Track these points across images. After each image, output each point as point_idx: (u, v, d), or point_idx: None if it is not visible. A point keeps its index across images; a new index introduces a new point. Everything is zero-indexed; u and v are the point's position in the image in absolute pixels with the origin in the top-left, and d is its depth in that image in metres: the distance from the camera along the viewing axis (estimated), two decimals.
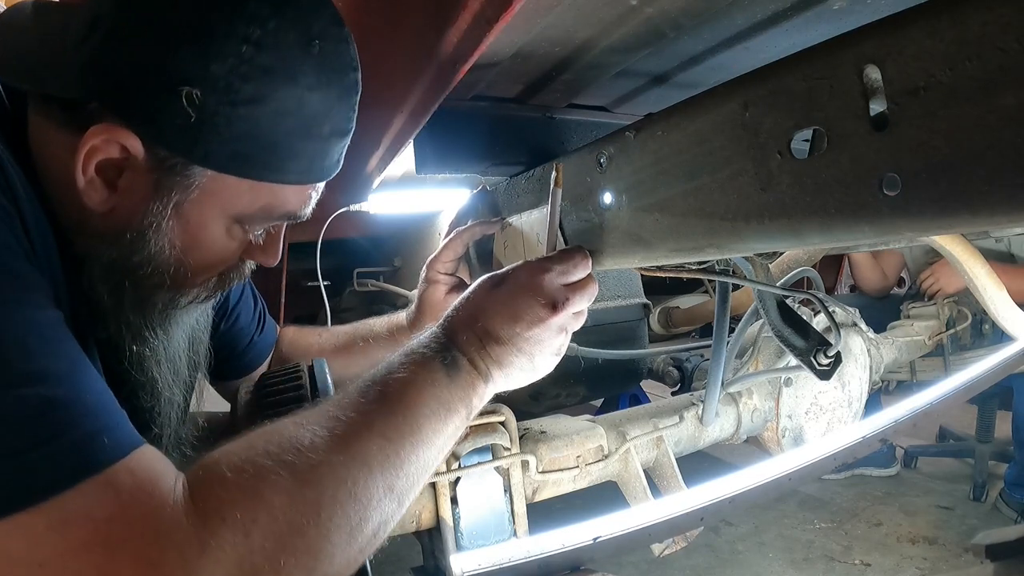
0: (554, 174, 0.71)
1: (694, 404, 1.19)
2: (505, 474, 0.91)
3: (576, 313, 0.66)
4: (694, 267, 0.83)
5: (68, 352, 0.44)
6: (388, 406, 0.53)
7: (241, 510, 0.43)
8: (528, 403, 1.54)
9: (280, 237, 0.65)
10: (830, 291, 2.84)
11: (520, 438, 0.95)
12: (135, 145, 0.49)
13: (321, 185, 0.61)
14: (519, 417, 0.97)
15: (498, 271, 0.65)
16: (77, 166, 0.49)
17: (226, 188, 0.53)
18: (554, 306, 0.62)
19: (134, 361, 0.61)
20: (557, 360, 0.66)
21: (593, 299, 0.68)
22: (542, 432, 0.99)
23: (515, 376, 0.63)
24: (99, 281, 0.55)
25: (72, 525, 0.38)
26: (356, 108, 0.58)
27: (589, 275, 0.68)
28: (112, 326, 0.58)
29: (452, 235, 0.91)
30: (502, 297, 0.62)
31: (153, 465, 0.44)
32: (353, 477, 0.48)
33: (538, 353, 0.62)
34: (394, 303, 1.71)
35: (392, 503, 0.51)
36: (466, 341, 0.60)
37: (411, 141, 0.91)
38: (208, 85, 0.47)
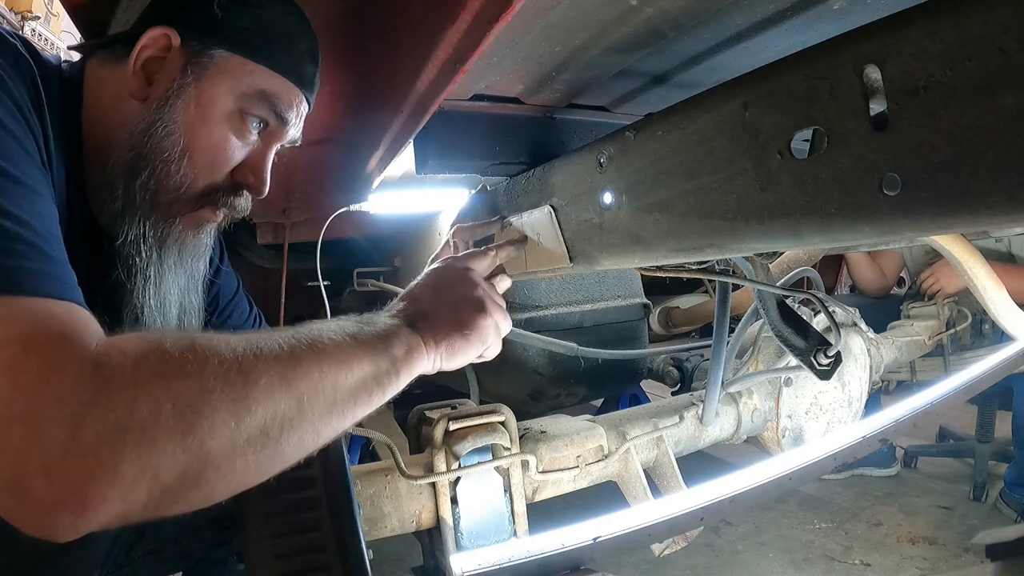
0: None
1: (694, 404, 1.19)
2: (505, 474, 0.91)
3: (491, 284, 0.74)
4: (694, 267, 0.83)
5: (51, 216, 0.51)
6: (294, 330, 0.55)
7: (139, 368, 0.44)
8: (528, 403, 1.54)
9: (268, 162, 0.74)
10: (830, 291, 2.84)
11: (520, 438, 0.95)
12: (175, 37, 0.66)
13: (303, 106, 0.74)
14: (519, 417, 0.97)
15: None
16: (129, 66, 0.66)
17: (235, 67, 0.68)
18: (467, 267, 0.73)
19: (123, 289, 0.69)
20: (481, 317, 0.68)
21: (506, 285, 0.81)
22: (542, 432, 0.99)
23: (443, 323, 0.65)
24: (119, 175, 0.66)
25: (1, 324, 0.43)
26: (319, 58, 0.75)
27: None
28: (118, 239, 0.67)
29: (452, 232, 0.91)
30: (434, 270, 0.73)
31: (86, 317, 0.47)
32: (244, 360, 0.48)
33: (460, 304, 0.68)
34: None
35: (288, 401, 0.49)
36: (398, 301, 0.68)
37: (411, 141, 0.91)
38: None
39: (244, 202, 0.74)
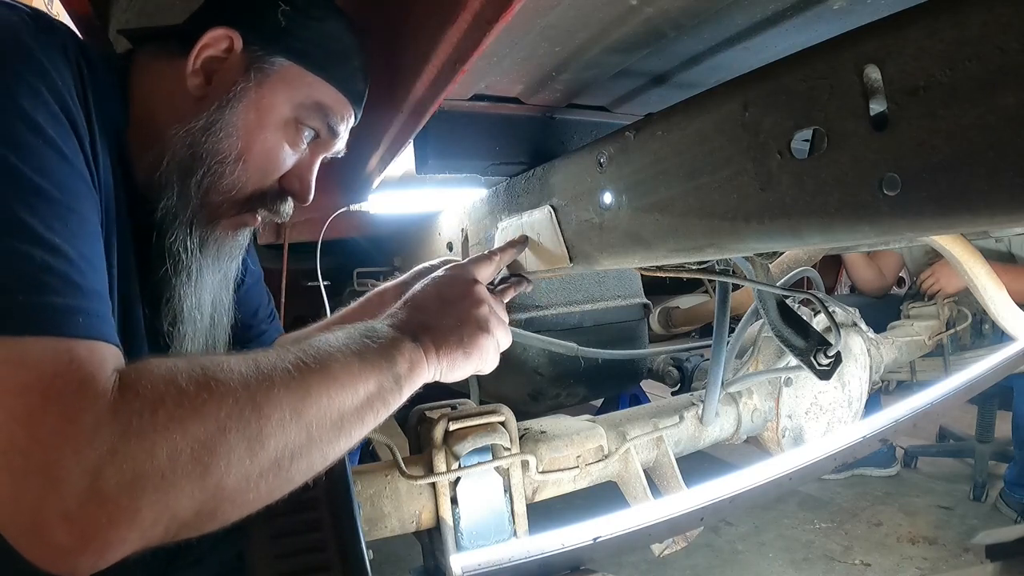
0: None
1: (694, 404, 1.19)
2: (505, 474, 0.91)
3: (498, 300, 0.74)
4: (694, 267, 0.83)
5: (88, 234, 0.51)
6: (303, 352, 0.55)
7: (158, 408, 0.45)
8: (528, 403, 1.54)
9: (314, 170, 0.76)
10: (830, 291, 2.84)
11: (520, 438, 0.95)
12: (238, 40, 0.67)
13: (352, 120, 0.76)
14: (519, 417, 0.97)
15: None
16: (188, 63, 0.66)
17: (295, 77, 0.69)
18: (474, 280, 0.72)
19: (168, 284, 0.70)
20: (484, 335, 0.68)
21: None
22: (542, 432, 0.99)
23: (445, 338, 0.65)
24: (175, 172, 0.67)
25: (22, 367, 0.43)
26: (369, 76, 0.77)
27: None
28: (169, 236, 0.68)
29: (492, 256, 0.83)
30: (434, 279, 0.72)
31: (106, 355, 0.47)
32: (256, 393, 0.49)
33: (464, 320, 0.67)
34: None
35: (299, 431, 0.50)
36: (398, 312, 0.68)
37: (411, 141, 0.91)
38: (293, 4, 0.69)
39: (287, 208, 0.76)
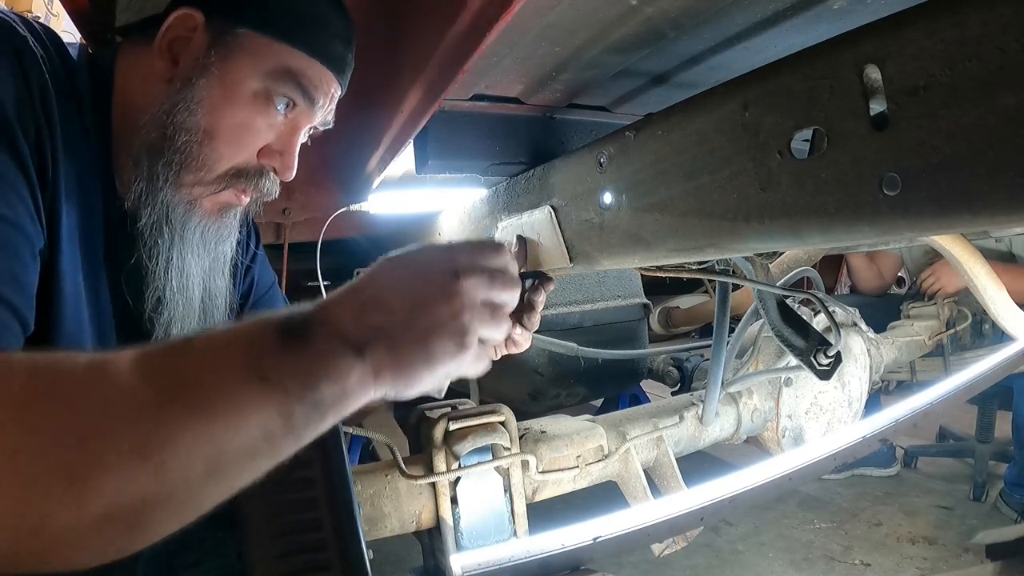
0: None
1: (694, 404, 1.19)
2: (505, 474, 0.91)
3: (485, 303, 0.52)
4: (694, 267, 0.83)
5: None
6: (169, 370, 0.41)
7: None
8: (528, 403, 1.54)
9: (295, 144, 0.73)
10: (830, 291, 2.84)
11: (520, 438, 0.95)
12: (200, 18, 0.66)
13: (334, 87, 0.73)
14: (519, 417, 0.97)
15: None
16: (155, 46, 0.66)
17: (260, 47, 0.67)
18: (456, 273, 0.50)
19: (145, 269, 0.68)
20: (458, 351, 0.50)
21: (511, 295, 0.55)
22: (542, 432, 0.99)
23: (406, 353, 0.47)
24: (143, 155, 0.66)
25: None
26: (352, 38, 0.73)
27: (509, 271, 0.55)
28: (140, 220, 0.67)
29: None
30: (398, 264, 0.52)
31: None
32: (86, 423, 0.37)
33: (433, 329, 0.48)
34: None
35: (141, 469, 0.37)
36: (340, 308, 0.47)
37: (411, 141, 0.91)
38: None
39: (271, 184, 0.73)
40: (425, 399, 0.98)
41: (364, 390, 0.45)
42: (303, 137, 0.74)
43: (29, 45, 0.59)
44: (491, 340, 0.53)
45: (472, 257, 0.52)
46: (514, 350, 0.72)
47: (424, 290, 0.49)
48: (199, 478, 0.39)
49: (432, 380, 0.49)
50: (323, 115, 0.74)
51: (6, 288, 0.50)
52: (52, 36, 0.63)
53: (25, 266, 0.53)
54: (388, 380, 0.46)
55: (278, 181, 0.74)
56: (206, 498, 0.40)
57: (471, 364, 0.52)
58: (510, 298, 0.54)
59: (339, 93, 0.75)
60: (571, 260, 0.80)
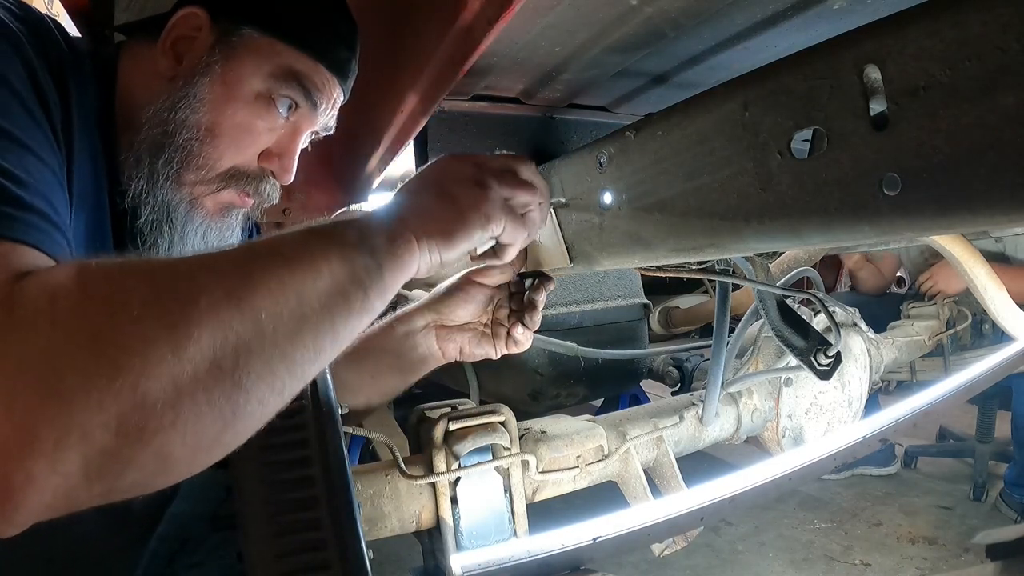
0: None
1: (694, 404, 1.18)
2: (505, 474, 0.91)
3: (503, 168, 0.61)
4: (694, 267, 0.83)
5: (43, 173, 0.48)
6: (251, 242, 0.49)
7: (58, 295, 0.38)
8: (528, 403, 1.54)
9: (295, 147, 0.73)
10: (830, 291, 2.84)
11: (520, 438, 0.95)
12: (205, 17, 0.67)
13: (336, 91, 0.73)
14: (519, 417, 0.97)
15: None
16: (160, 44, 0.67)
17: (263, 47, 0.67)
18: (471, 159, 0.60)
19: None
20: (481, 195, 0.56)
21: (529, 197, 0.63)
22: (542, 432, 0.99)
23: (435, 207, 0.54)
24: (145, 152, 0.66)
25: None
26: (356, 44, 0.73)
27: (528, 180, 0.64)
28: (140, 218, 0.67)
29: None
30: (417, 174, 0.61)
31: (23, 255, 0.41)
32: (178, 278, 0.40)
33: (454, 183, 0.56)
34: (394, 303, 1.71)
35: (241, 319, 0.40)
36: (374, 209, 0.56)
37: (411, 141, 0.91)
38: None
39: (271, 189, 0.73)
40: (425, 399, 0.99)
41: (407, 243, 0.51)
42: (304, 141, 0.74)
43: (49, 27, 0.60)
44: (516, 199, 0.60)
45: (486, 157, 0.62)
46: (515, 349, 0.73)
47: (437, 167, 0.59)
48: (287, 325, 0.42)
49: (467, 229, 0.55)
50: (325, 119, 0.75)
51: (49, 210, 0.47)
52: (60, 26, 0.64)
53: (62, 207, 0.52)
54: (424, 234, 0.53)
55: (278, 186, 0.74)
56: (296, 352, 0.43)
57: (507, 219, 0.58)
58: (518, 166, 0.63)
59: (341, 98, 0.75)
60: (571, 260, 0.80)
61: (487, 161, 0.60)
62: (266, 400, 0.42)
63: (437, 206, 0.55)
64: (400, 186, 0.60)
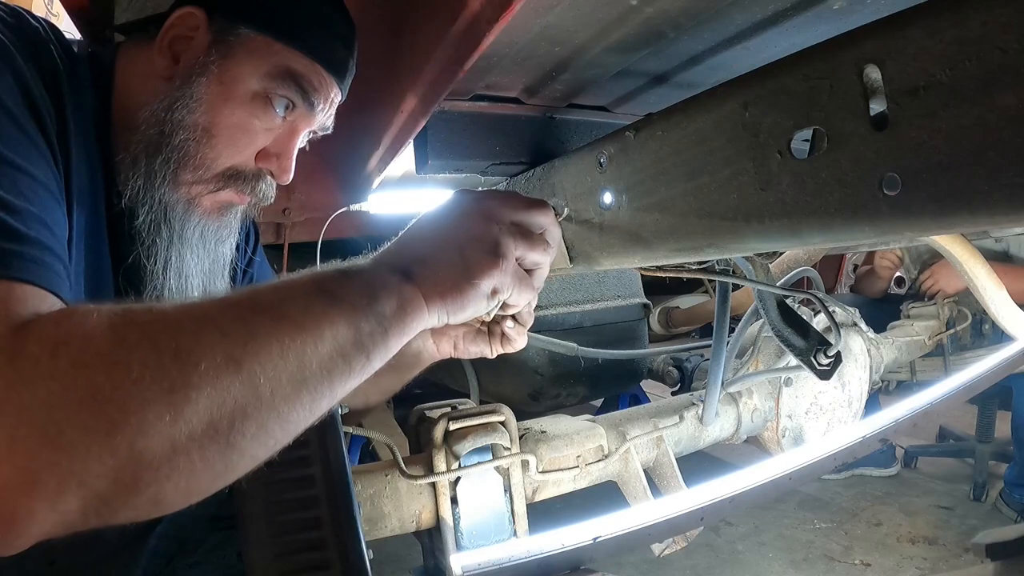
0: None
1: (694, 404, 1.18)
2: (505, 474, 0.91)
3: (515, 222, 0.59)
4: (694, 267, 0.83)
5: (40, 196, 0.48)
6: (253, 291, 0.47)
7: (59, 334, 0.39)
8: (528, 403, 1.54)
9: (292, 147, 0.73)
10: (830, 291, 2.84)
11: (520, 438, 0.95)
12: (202, 16, 0.67)
13: (334, 92, 0.73)
14: (519, 417, 0.97)
15: None
16: (156, 44, 0.67)
17: (260, 47, 0.67)
18: (482, 205, 0.58)
19: (143, 268, 0.68)
20: (493, 260, 0.55)
21: (540, 216, 0.62)
22: (542, 432, 0.99)
23: (445, 269, 0.53)
24: (142, 152, 0.66)
25: None
26: (354, 44, 0.73)
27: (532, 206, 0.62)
28: (138, 218, 0.67)
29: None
30: (430, 212, 0.60)
31: (22, 296, 0.42)
32: (179, 336, 0.40)
33: (466, 244, 0.54)
34: None
35: (240, 384, 0.40)
36: (383, 252, 0.56)
37: (411, 141, 0.91)
38: None
39: (267, 188, 0.73)
40: (425, 399, 0.99)
41: (417, 308, 0.51)
42: (301, 141, 0.74)
43: (42, 35, 0.60)
44: (528, 259, 0.59)
45: (496, 197, 0.60)
46: (510, 348, 0.73)
47: (456, 220, 0.57)
48: (285, 389, 0.42)
49: (477, 297, 0.54)
50: (322, 119, 0.74)
51: (46, 236, 0.48)
52: (56, 31, 0.64)
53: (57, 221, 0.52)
54: (436, 299, 0.52)
55: (275, 185, 0.74)
56: (292, 413, 0.43)
57: (516, 285, 0.57)
58: (537, 220, 0.61)
59: (339, 98, 0.75)
60: (571, 260, 0.80)
61: (505, 215, 0.58)
62: (259, 456, 0.43)
63: (452, 272, 0.53)
64: (414, 223, 0.59)
